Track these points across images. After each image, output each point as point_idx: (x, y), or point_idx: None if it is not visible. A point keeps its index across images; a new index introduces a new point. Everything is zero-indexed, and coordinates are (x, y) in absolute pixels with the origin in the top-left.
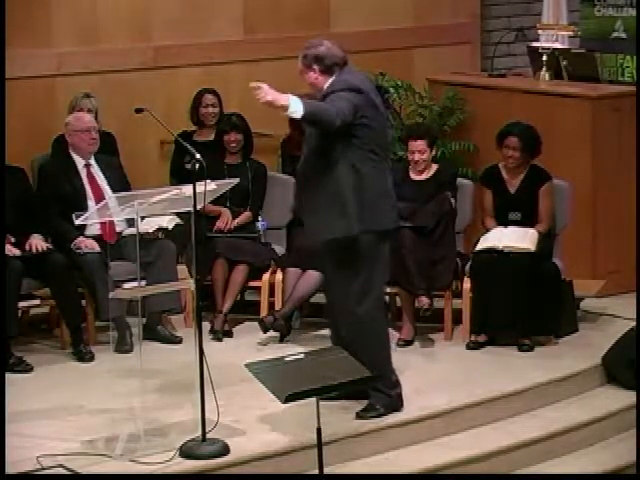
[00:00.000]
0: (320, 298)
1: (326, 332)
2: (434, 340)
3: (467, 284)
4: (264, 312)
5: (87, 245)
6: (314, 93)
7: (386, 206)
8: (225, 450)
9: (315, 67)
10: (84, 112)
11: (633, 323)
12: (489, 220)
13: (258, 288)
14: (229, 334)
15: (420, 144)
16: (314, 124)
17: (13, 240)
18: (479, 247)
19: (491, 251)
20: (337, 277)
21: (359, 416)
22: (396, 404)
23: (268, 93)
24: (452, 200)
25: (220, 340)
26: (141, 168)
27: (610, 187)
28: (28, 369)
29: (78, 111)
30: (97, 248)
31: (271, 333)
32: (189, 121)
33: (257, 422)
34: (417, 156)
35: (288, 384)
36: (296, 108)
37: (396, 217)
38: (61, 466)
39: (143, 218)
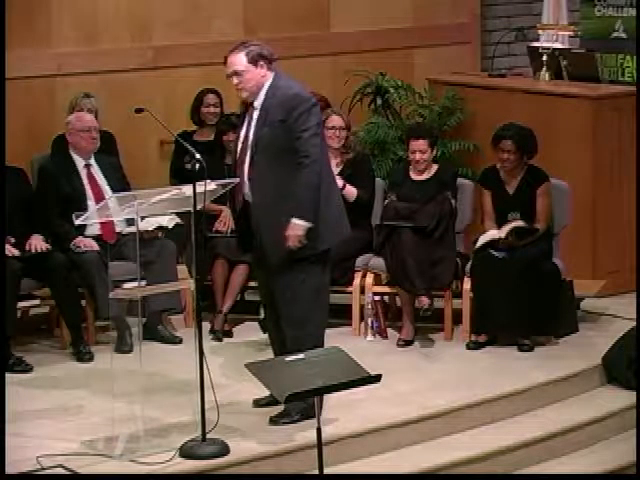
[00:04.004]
0: None
1: (326, 331)
2: (434, 340)
3: (467, 284)
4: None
5: (85, 244)
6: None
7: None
8: (225, 450)
9: (262, 63)
10: (83, 112)
11: (633, 323)
12: (488, 221)
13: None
14: (229, 334)
15: (421, 143)
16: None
17: (13, 240)
18: (481, 242)
19: (493, 247)
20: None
21: (273, 421)
22: (312, 412)
23: (292, 241)
24: (452, 200)
25: (220, 340)
26: (141, 168)
27: (610, 187)
28: (28, 369)
29: (78, 111)
30: (95, 247)
31: None
32: (189, 121)
33: (257, 422)
34: (418, 156)
35: (288, 384)
36: (298, 222)
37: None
38: (61, 466)
39: (143, 218)
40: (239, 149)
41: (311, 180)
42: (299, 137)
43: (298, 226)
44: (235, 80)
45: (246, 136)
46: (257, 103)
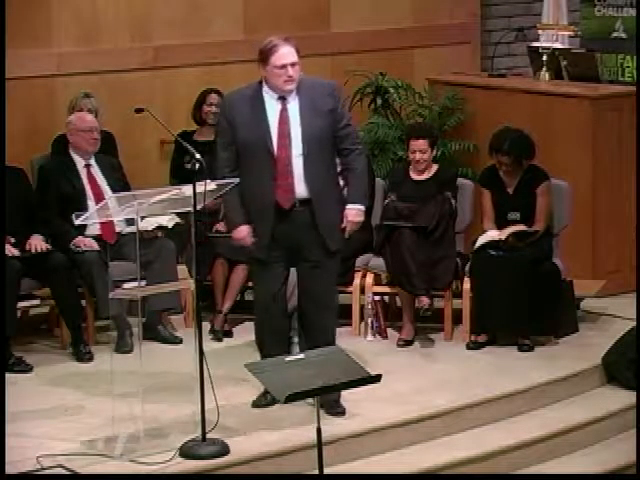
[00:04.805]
0: None
1: None
2: (434, 340)
3: (467, 284)
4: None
5: (86, 244)
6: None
7: None
8: (225, 450)
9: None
10: (84, 112)
11: (633, 323)
12: (487, 222)
13: None
14: (229, 334)
15: (422, 143)
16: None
17: (13, 240)
18: (480, 242)
19: (493, 247)
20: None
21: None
22: None
23: (354, 224)
24: (452, 200)
25: (220, 340)
26: (141, 168)
27: (610, 187)
28: (28, 369)
29: (78, 111)
30: (96, 246)
31: None
32: (189, 121)
33: (257, 422)
34: (418, 155)
35: (288, 384)
36: (362, 208)
37: None
38: (61, 466)
39: (143, 218)
40: (275, 147)
41: (366, 166)
42: (348, 125)
43: (362, 211)
44: (291, 71)
45: (283, 133)
46: (291, 97)
